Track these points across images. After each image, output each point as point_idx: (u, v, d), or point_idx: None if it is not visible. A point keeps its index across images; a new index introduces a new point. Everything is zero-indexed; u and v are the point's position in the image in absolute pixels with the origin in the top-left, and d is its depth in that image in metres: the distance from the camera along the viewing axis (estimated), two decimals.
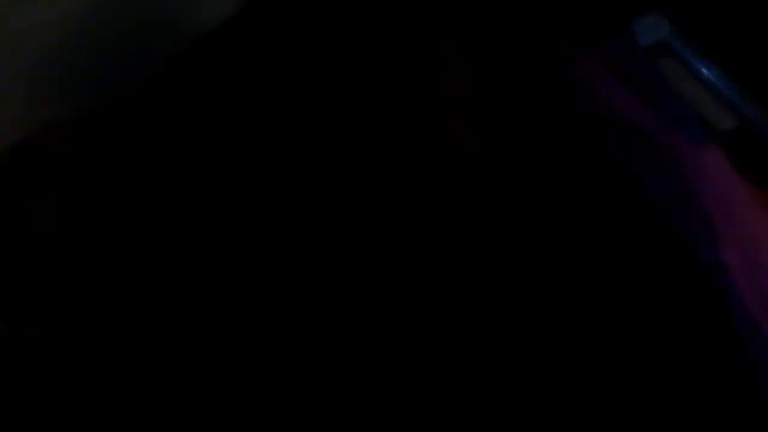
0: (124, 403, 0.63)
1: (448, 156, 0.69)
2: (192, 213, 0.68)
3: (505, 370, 0.63)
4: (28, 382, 0.64)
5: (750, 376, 0.61)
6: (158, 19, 0.74)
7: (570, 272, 0.66)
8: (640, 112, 0.63)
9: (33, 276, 0.67)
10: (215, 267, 0.66)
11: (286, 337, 0.64)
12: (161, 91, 0.71)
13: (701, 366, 0.62)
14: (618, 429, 0.63)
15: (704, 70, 0.66)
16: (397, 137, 0.69)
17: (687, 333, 0.62)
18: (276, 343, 0.64)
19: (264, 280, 0.65)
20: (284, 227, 0.67)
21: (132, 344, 0.64)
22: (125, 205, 0.68)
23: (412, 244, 0.66)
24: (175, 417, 0.63)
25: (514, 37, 0.72)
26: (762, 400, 0.60)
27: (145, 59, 0.73)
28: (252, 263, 0.66)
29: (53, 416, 0.63)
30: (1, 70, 0.69)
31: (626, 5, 0.69)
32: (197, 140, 0.70)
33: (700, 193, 0.60)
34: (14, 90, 0.71)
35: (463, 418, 0.63)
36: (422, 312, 0.65)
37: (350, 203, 0.68)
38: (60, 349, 0.65)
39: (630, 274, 0.65)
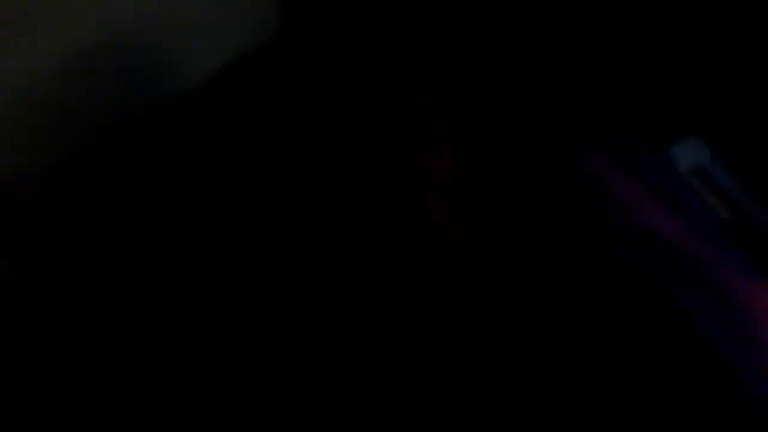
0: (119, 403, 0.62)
1: (430, 240, 0.68)
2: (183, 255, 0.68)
3: None
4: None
5: None
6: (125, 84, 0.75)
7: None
8: (691, 240, 0.60)
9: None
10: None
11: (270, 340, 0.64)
12: (154, 138, 0.72)
13: None
14: None
15: (738, 194, 0.65)
16: (381, 216, 0.69)
17: None
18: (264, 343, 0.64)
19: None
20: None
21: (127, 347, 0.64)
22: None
23: (395, 320, 0.65)
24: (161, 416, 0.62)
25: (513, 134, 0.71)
26: None
27: (130, 108, 0.74)
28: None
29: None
30: None
31: (657, 125, 0.69)
32: (190, 185, 0.70)
33: (755, 330, 0.58)
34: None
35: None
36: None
37: (332, 280, 0.67)
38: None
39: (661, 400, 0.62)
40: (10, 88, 0.68)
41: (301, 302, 0.66)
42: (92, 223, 0.69)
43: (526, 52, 0.72)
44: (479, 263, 0.66)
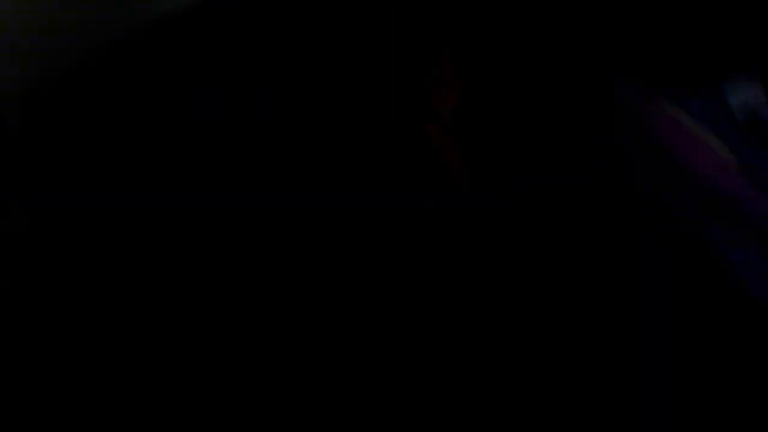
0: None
1: (428, 167, 0.64)
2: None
3: None
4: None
5: None
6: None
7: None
8: (738, 185, 0.56)
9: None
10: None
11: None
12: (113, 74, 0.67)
13: None
14: None
15: None
16: (382, 142, 0.65)
17: None
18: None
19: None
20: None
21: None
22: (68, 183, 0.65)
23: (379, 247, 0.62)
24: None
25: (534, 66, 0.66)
26: None
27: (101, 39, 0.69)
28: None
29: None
30: None
31: (709, 60, 0.63)
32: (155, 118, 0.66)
33: None
34: None
35: None
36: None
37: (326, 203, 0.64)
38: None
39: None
40: None
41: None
42: (78, 149, 0.66)
43: None
44: (484, 202, 0.62)
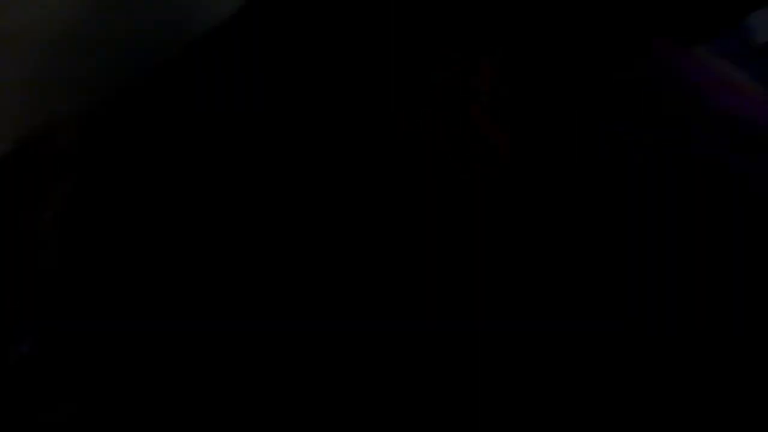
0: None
1: (475, 153, 0.62)
2: (192, 212, 0.64)
3: None
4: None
5: None
6: (156, 20, 0.71)
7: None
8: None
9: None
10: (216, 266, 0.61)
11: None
12: (161, 93, 0.67)
13: None
14: None
15: None
16: (423, 128, 0.63)
17: None
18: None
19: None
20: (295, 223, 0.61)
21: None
22: (130, 210, 0.64)
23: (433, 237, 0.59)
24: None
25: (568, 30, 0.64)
26: None
27: (147, 58, 0.70)
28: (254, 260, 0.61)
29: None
30: None
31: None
32: (197, 142, 0.65)
33: None
34: (12, 90, 0.68)
35: None
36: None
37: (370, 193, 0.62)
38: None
39: None
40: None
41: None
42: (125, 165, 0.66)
43: None
44: (531, 180, 0.60)
